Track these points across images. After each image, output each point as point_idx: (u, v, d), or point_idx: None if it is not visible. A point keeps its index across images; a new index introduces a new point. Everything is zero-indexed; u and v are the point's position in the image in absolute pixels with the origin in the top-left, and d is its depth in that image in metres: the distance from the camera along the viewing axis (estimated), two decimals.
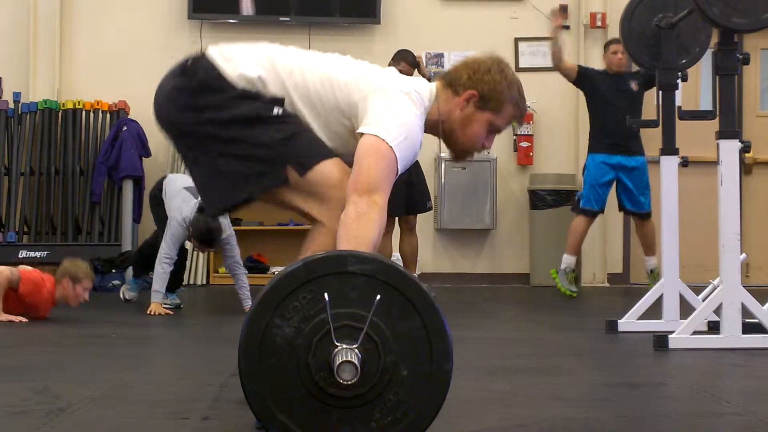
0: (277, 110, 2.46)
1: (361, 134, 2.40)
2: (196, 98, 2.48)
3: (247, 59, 2.52)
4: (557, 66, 6.97)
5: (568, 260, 7.01)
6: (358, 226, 2.26)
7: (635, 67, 7.00)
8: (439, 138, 2.64)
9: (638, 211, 6.99)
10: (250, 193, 2.49)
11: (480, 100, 2.56)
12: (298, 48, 2.65)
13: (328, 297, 2.03)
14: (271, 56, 2.54)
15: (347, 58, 2.63)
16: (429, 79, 7.02)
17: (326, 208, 2.40)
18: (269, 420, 2.05)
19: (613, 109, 6.77)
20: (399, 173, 2.43)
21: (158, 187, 5.94)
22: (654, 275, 6.85)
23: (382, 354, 2.05)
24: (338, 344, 2.02)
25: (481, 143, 2.63)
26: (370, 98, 2.45)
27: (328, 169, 2.42)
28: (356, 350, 2.02)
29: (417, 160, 7.07)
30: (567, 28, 8.36)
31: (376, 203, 2.30)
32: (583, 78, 6.99)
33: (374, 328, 2.05)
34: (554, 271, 7.14)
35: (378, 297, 2.04)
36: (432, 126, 2.60)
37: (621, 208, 7.18)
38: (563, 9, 7.90)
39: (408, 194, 6.29)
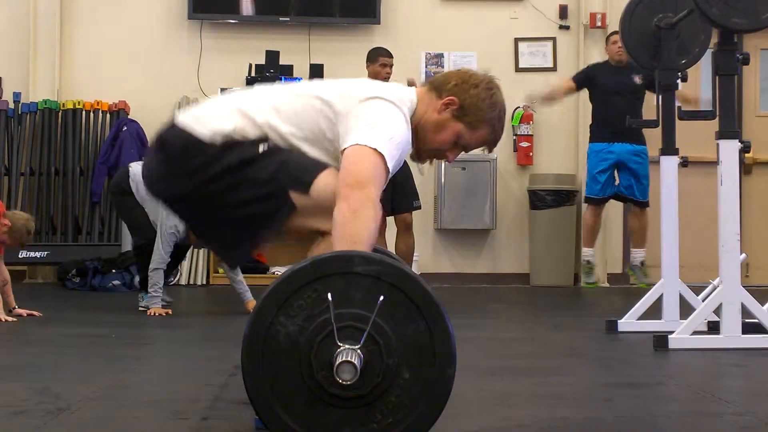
0: (262, 147, 2.43)
1: (344, 149, 2.36)
2: (183, 165, 2.44)
3: (216, 115, 2.48)
4: (561, 99, 7.30)
5: (585, 253, 7.18)
6: (354, 223, 2.21)
7: None
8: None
9: (637, 198, 7.10)
10: (271, 232, 2.46)
11: (459, 109, 2.50)
12: (264, 86, 2.60)
13: (333, 297, 2.03)
14: (241, 105, 2.50)
15: (320, 81, 2.59)
16: None
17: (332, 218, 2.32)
18: (269, 417, 2.05)
19: (613, 100, 6.92)
20: (391, 173, 2.40)
21: (123, 179, 5.82)
22: (643, 269, 6.93)
23: (384, 356, 2.04)
24: (341, 344, 2.02)
25: (445, 152, 2.57)
26: (351, 116, 2.40)
27: (326, 179, 2.37)
28: (358, 351, 2.02)
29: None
30: (567, 28, 8.37)
31: (370, 198, 2.24)
32: (582, 82, 7.20)
33: (378, 330, 2.04)
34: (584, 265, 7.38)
35: (381, 298, 2.04)
36: (412, 128, 2.56)
37: (620, 197, 7.30)
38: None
39: (392, 194, 6.29)
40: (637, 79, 7.03)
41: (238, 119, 2.46)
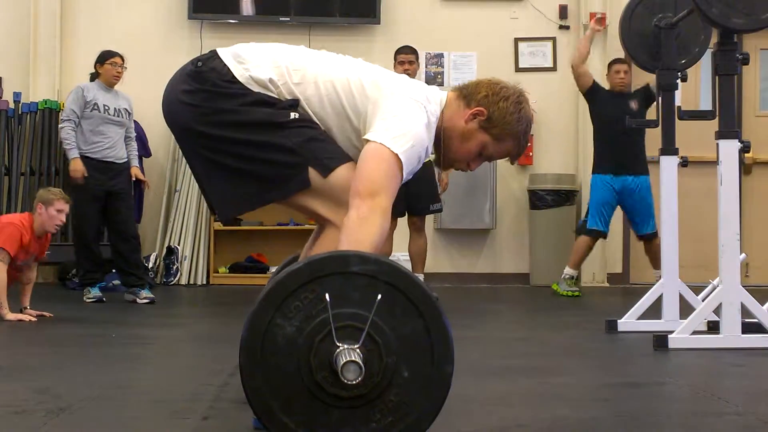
0: (293, 114, 2.45)
1: (366, 140, 2.39)
2: (210, 102, 2.45)
3: (258, 61, 2.50)
4: (576, 65, 6.98)
5: (569, 272, 7.04)
6: (359, 229, 2.25)
7: (636, 83, 7.05)
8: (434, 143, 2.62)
9: (645, 233, 6.96)
10: (274, 196, 2.47)
11: (486, 121, 2.52)
12: (306, 48, 2.64)
13: (330, 297, 2.03)
14: (282, 59, 2.52)
15: (358, 61, 2.61)
16: None
17: (343, 211, 2.36)
18: (269, 419, 2.05)
19: (617, 129, 6.71)
20: (403, 180, 2.41)
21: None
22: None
23: (383, 355, 2.05)
24: (340, 344, 2.02)
25: (468, 162, 2.59)
26: (378, 104, 2.43)
27: (347, 172, 2.41)
28: (358, 350, 2.02)
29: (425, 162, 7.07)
30: (567, 28, 8.37)
31: (379, 206, 2.28)
32: (594, 94, 6.98)
33: (376, 329, 2.05)
34: (555, 284, 7.18)
35: (379, 297, 2.05)
36: (436, 132, 2.59)
37: (635, 232, 7.19)
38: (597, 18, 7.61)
39: (406, 195, 6.26)
40: (633, 105, 6.92)
41: (277, 74, 2.48)
